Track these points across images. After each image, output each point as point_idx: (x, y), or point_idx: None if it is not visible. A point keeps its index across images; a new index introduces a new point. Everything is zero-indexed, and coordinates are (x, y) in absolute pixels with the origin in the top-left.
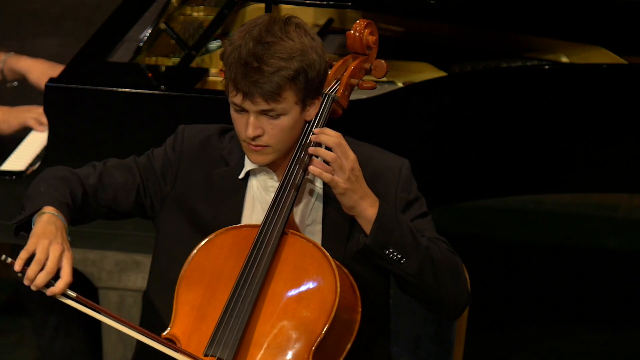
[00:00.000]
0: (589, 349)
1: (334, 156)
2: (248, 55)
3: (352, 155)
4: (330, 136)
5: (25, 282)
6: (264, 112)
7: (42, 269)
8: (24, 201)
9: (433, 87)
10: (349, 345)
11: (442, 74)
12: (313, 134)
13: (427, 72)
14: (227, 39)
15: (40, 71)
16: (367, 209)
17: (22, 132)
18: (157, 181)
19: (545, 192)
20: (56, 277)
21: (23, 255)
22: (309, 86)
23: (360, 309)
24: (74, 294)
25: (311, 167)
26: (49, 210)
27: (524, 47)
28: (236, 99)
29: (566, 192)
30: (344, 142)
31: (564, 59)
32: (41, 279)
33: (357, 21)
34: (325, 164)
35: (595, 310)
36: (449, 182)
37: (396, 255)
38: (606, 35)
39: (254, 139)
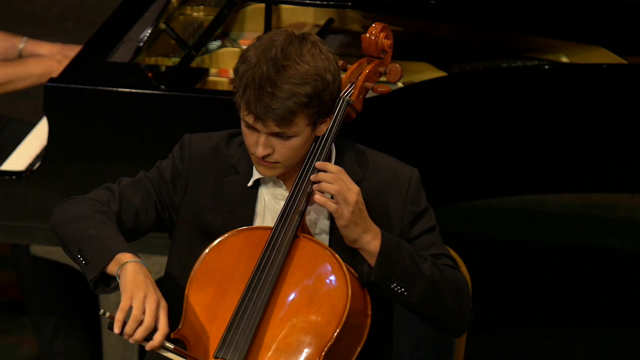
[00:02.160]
0: (589, 349)
1: (338, 189)
2: (262, 79)
3: (355, 188)
4: (330, 172)
5: (125, 337)
6: (275, 134)
7: (139, 324)
8: (72, 245)
9: (433, 87)
10: (358, 350)
11: (442, 74)
12: (315, 169)
13: (427, 72)
14: (234, 44)
15: (62, 54)
16: (370, 242)
17: (23, 129)
18: (169, 193)
19: (545, 192)
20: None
21: (120, 316)
22: (322, 109)
23: (370, 313)
24: (171, 346)
25: (316, 197)
26: (129, 259)
27: (524, 47)
28: (248, 118)
29: (566, 192)
30: (344, 175)
31: (564, 59)
32: (140, 335)
33: (373, 24)
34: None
35: (595, 310)
36: (449, 182)
37: (400, 288)
38: (606, 35)
39: (263, 157)
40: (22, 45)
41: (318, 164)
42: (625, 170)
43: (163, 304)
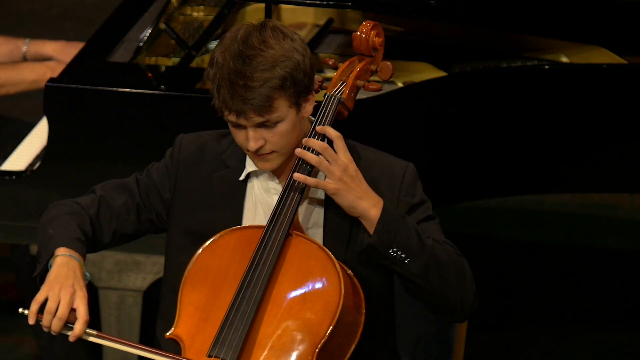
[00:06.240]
0: (589, 349)
1: (318, 160)
2: (231, 74)
3: (342, 157)
4: (317, 142)
5: (46, 330)
6: (261, 124)
7: (54, 316)
8: (38, 248)
9: (433, 87)
10: (352, 347)
11: (442, 74)
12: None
13: (427, 72)
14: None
15: (67, 52)
16: (370, 209)
17: (23, 129)
18: (158, 193)
19: (545, 192)
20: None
21: (33, 307)
22: (299, 88)
23: (364, 311)
24: (94, 332)
25: (295, 175)
26: (60, 253)
27: (524, 47)
28: (230, 117)
29: (566, 192)
30: (340, 142)
31: (564, 59)
32: (56, 326)
33: (364, 22)
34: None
35: (595, 310)
36: (449, 182)
37: (400, 256)
38: (606, 35)
39: (256, 150)
40: (25, 47)
41: (319, 128)
42: (625, 170)
43: (80, 293)
